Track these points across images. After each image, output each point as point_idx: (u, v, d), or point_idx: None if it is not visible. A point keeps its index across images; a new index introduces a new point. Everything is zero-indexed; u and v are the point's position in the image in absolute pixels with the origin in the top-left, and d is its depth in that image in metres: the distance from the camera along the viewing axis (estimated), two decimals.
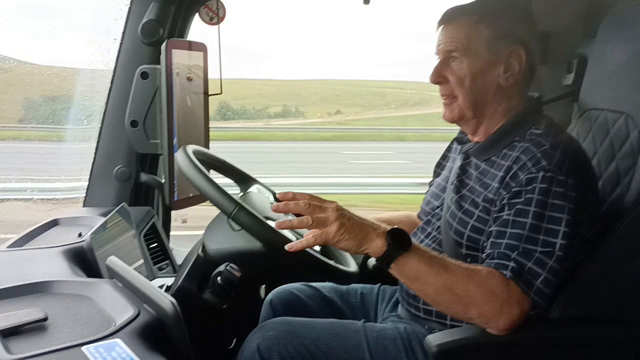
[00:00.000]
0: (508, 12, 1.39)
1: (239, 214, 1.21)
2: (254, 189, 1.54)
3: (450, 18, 1.39)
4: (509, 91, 1.38)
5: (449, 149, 1.65)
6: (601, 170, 1.48)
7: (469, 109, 1.37)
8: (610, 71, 1.54)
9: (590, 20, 1.85)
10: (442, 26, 1.40)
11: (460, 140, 1.52)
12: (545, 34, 1.93)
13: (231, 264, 1.31)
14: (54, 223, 1.66)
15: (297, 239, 1.30)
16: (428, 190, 1.61)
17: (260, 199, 1.48)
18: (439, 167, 1.64)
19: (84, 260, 1.37)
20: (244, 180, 1.60)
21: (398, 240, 1.19)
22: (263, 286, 1.66)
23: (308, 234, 1.20)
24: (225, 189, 1.26)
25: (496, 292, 1.18)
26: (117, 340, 0.94)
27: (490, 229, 1.29)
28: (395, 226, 1.22)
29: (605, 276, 1.31)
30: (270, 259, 1.29)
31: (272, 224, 1.27)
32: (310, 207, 1.19)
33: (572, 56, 1.84)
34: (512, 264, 1.20)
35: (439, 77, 1.39)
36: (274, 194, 1.61)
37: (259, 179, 1.63)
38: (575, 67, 1.80)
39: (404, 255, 1.19)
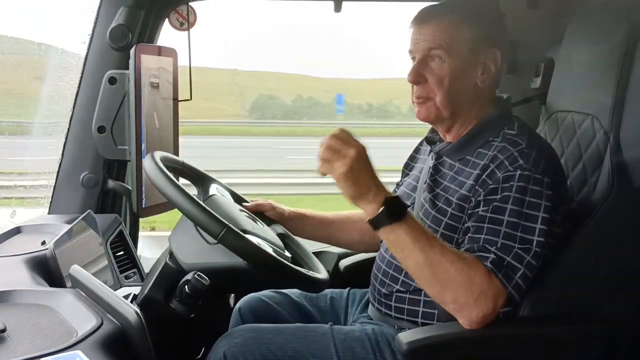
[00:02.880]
0: (487, 14, 1.41)
1: (227, 236, 1.19)
2: (214, 190, 1.51)
3: (431, 16, 1.37)
4: (484, 92, 1.40)
5: (417, 150, 1.65)
6: (569, 171, 1.50)
7: (446, 108, 1.37)
8: (576, 74, 1.56)
9: (557, 24, 1.87)
10: (420, 24, 1.38)
11: (430, 140, 1.51)
12: (513, 41, 1.95)
13: (199, 272, 1.28)
14: (16, 231, 1.61)
15: (276, 253, 1.29)
16: (397, 191, 1.60)
17: (225, 203, 1.45)
18: (407, 167, 1.64)
19: (47, 269, 1.33)
20: (201, 180, 1.57)
21: (392, 209, 1.20)
22: (232, 294, 1.63)
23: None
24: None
25: (476, 281, 1.18)
26: (77, 352, 0.91)
27: (465, 225, 1.29)
28: (397, 195, 1.21)
29: (573, 274, 1.32)
30: (250, 274, 1.27)
31: (251, 238, 1.26)
32: (329, 150, 1.19)
33: (539, 60, 1.86)
34: (492, 256, 1.21)
35: (417, 76, 1.37)
36: (231, 193, 1.59)
37: None
38: (543, 70, 1.82)
39: (394, 224, 1.20)
